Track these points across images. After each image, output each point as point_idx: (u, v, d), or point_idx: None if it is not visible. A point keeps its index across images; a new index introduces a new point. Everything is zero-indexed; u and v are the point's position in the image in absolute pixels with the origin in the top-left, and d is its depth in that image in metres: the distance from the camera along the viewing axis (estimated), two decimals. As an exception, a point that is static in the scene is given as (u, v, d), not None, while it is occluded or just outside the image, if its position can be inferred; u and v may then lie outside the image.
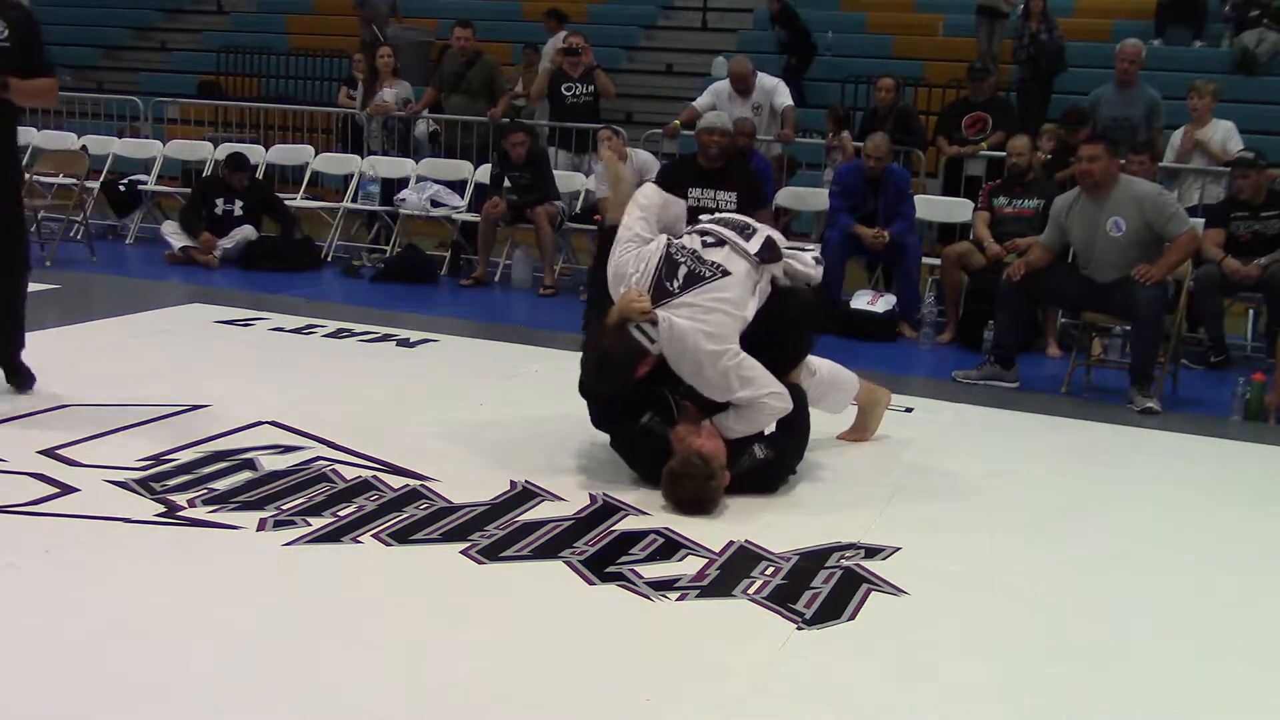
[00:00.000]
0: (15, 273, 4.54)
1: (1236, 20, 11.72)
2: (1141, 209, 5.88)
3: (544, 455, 4.42)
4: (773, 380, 4.03)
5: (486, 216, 8.50)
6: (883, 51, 12.56)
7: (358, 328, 6.64)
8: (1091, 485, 4.59)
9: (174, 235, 8.86)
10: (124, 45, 15.64)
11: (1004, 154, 7.78)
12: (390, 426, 4.71)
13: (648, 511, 3.90)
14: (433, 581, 3.30)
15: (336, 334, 6.51)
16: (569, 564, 3.45)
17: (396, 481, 4.04)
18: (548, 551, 3.53)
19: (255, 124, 11.35)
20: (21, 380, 4.71)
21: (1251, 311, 7.45)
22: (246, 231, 8.76)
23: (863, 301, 7.39)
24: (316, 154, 10.11)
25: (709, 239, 4.17)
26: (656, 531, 3.73)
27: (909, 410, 5.44)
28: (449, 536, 3.60)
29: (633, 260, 4.11)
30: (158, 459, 4.13)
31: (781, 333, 4.18)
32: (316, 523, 3.64)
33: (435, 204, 9.17)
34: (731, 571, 3.46)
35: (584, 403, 4.30)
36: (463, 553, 3.48)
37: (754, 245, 4.15)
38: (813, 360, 4.54)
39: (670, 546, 3.62)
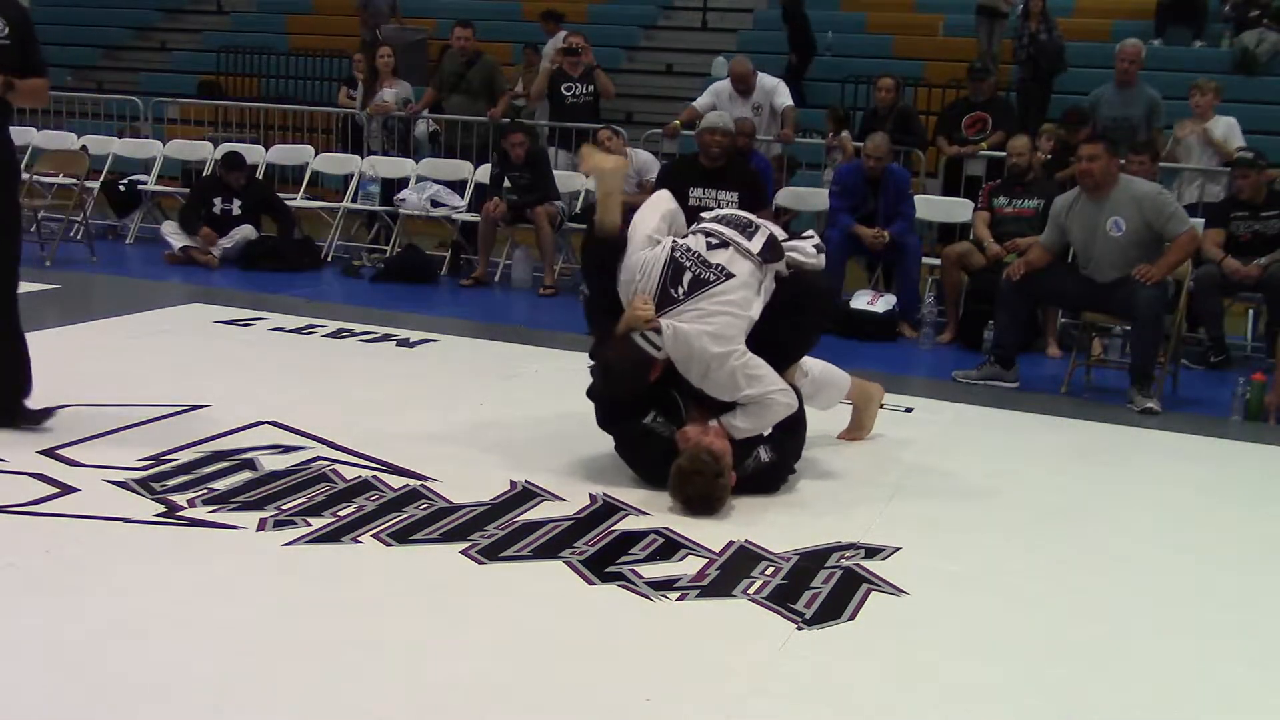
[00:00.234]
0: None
1: (1236, 20, 11.72)
2: (1141, 209, 5.88)
3: (544, 455, 4.42)
4: (778, 379, 4.05)
5: (486, 216, 8.50)
6: (883, 51, 12.56)
7: (358, 328, 6.64)
8: (1091, 485, 4.59)
9: (174, 235, 8.86)
10: (124, 45, 15.64)
11: (1004, 154, 7.78)
12: (390, 426, 4.71)
13: (648, 511, 3.90)
14: (433, 581, 3.30)
15: (336, 334, 6.52)
16: (569, 564, 3.45)
17: (396, 481, 4.04)
18: (548, 551, 3.53)
19: (255, 124, 11.35)
20: (34, 419, 4.38)
21: (1251, 311, 7.45)
22: (246, 231, 8.76)
23: (863, 301, 7.39)
24: (316, 154, 10.11)
25: (712, 240, 4.17)
26: (656, 531, 3.73)
27: (909, 410, 5.44)
28: (449, 536, 3.60)
29: (638, 266, 4.12)
30: (158, 459, 4.13)
31: (791, 317, 4.18)
32: (316, 523, 3.64)
33: (435, 204, 9.17)
34: (731, 571, 3.46)
35: (589, 403, 4.29)
36: (463, 553, 3.48)
37: (756, 244, 4.16)
38: (805, 360, 4.55)
39: (670, 546, 3.62)
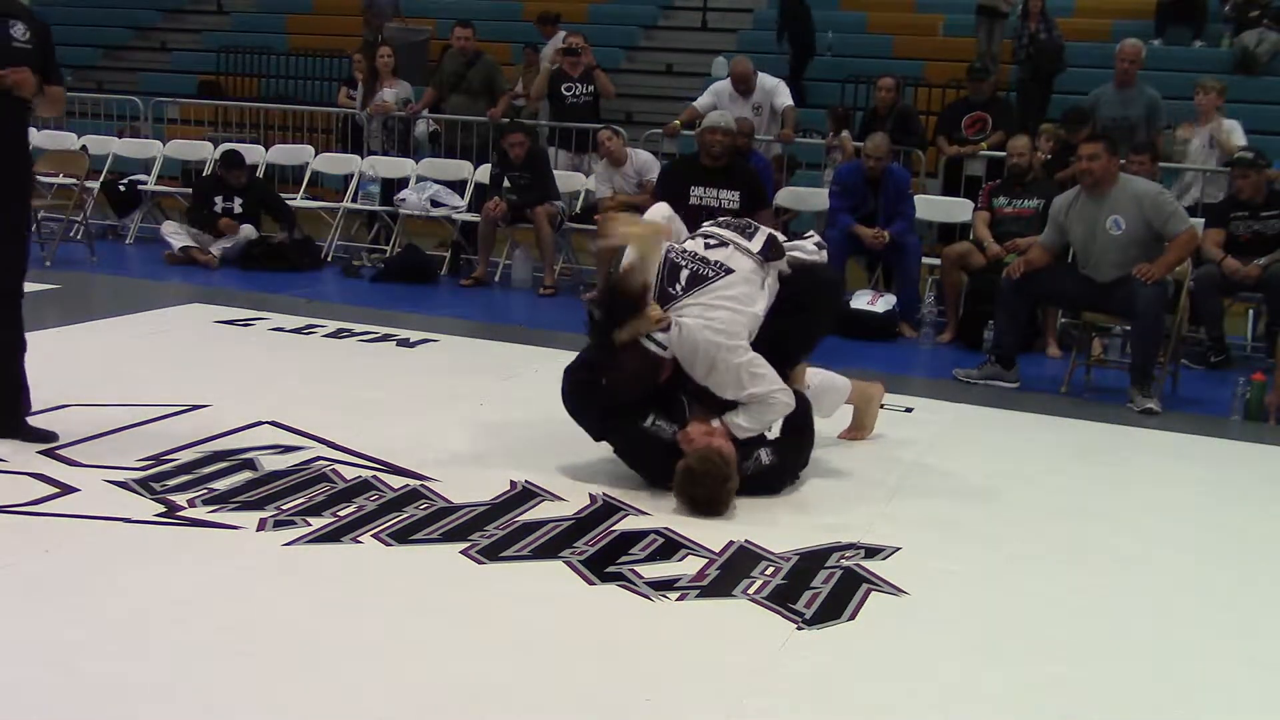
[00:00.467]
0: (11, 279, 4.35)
1: (1236, 20, 11.72)
2: (1141, 207, 5.88)
3: (544, 455, 4.42)
4: (779, 379, 4.07)
5: (486, 216, 8.50)
6: (883, 51, 12.56)
7: (358, 328, 6.64)
8: (1091, 485, 4.59)
9: (174, 235, 8.86)
10: (124, 45, 15.64)
11: (1004, 154, 7.78)
12: (390, 426, 4.71)
13: (648, 511, 3.90)
14: (433, 581, 3.30)
15: (336, 334, 6.51)
16: (569, 564, 3.45)
17: (396, 481, 4.04)
18: (548, 551, 3.53)
19: (255, 124, 11.34)
20: (38, 437, 4.29)
21: (1251, 311, 7.45)
22: (247, 230, 8.76)
23: (863, 301, 7.38)
24: (316, 154, 10.12)
25: (711, 241, 4.19)
26: (656, 531, 3.73)
27: (909, 410, 5.44)
28: (449, 536, 3.60)
29: None
30: (158, 459, 4.13)
31: (799, 312, 4.19)
32: (316, 523, 3.64)
33: (435, 204, 9.17)
34: (731, 571, 3.46)
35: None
36: (463, 553, 3.48)
37: (756, 244, 4.17)
38: (811, 372, 4.56)
39: (670, 546, 3.62)
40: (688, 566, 3.47)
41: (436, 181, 9.36)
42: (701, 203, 6.98)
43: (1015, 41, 10.51)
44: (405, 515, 3.74)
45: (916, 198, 7.96)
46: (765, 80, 8.82)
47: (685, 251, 4.15)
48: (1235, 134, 8.15)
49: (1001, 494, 4.39)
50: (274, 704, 2.61)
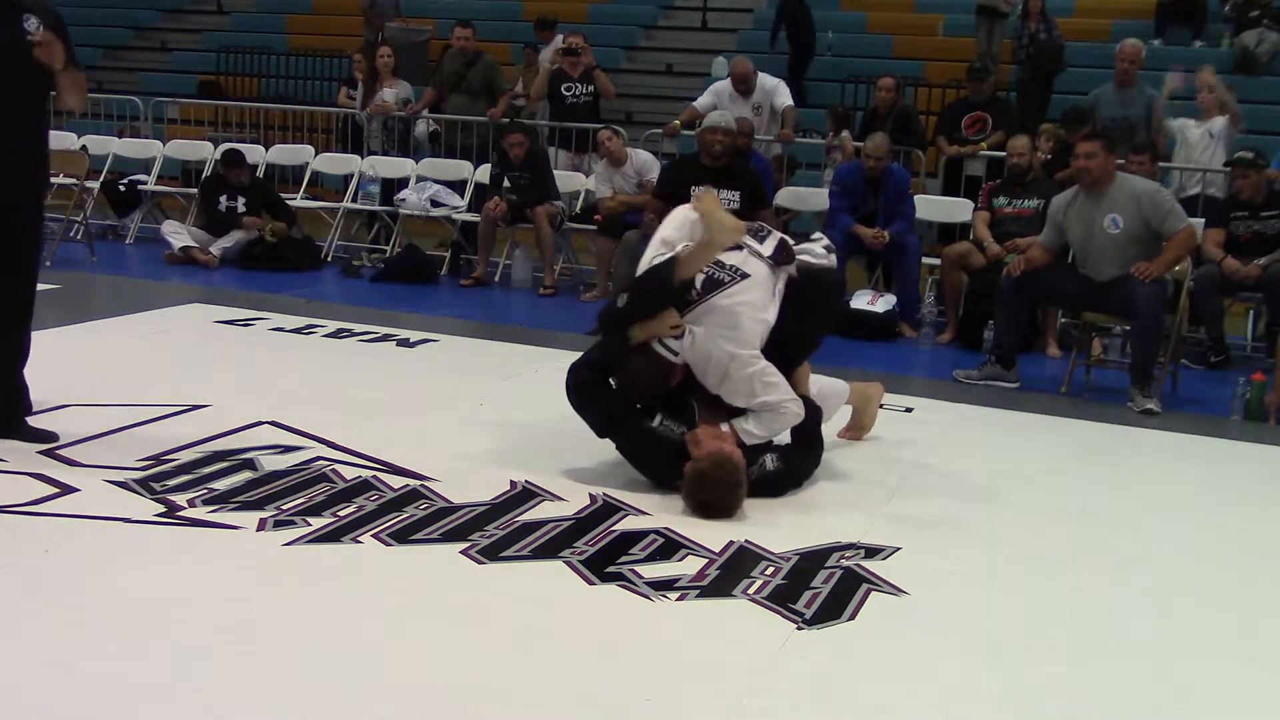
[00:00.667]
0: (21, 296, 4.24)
1: (1236, 20, 11.72)
2: (1139, 206, 5.88)
3: (544, 455, 4.42)
4: (790, 389, 4.08)
5: (486, 216, 8.50)
6: (883, 51, 12.57)
7: (358, 328, 6.64)
8: (1091, 485, 4.59)
9: (174, 235, 8.87)
10: (124, 45, 15.64)
11: (1004, 154, 7.78)
12: (390, 426, 4.71)
13: (648, 511, 3.90)
14: (433, 581, 3.30)
15: (336, 334, 6.51)
16: (569, 564, 3.45)
17: (396, 481, 4.04)
18: (548, 551, 3.53)
19: (255, 124, 11.34)
20: (38, 438, 4.27)
21: (1251, 311, 7.45)
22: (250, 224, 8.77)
23: (863, 301, 7.38)
24: (316, 154, 10.12)
25: None
26: (656, 531, 3.73)
27: (909, 410, 5.44)
28: (449, 536, 3.60)
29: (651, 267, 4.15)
30: (158, 459, 4.13)
31: (803, 313, 4.19)
32: (316, 523, 3.64)
33: (435, 204, 9.17)
34: (731, 571, 3.46)
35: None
36: (463, 553, 3.48)
37: (768, 248, 4.18)
38: (812, 378, 4.56)
39: (670, 546, 3.62)
40: (688, 566, 3.47)
41: (436, 181, 9.36)
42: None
43: (1015, 41, 10.52)
44: (405, 515, 3.74)
45: (916, 198, 7.96)
46: (765, 80, 8.82)
47: None
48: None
49: (1001, 494, 4.40)
50: (274, 704, 2.61)
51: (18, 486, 3.78)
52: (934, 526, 3.98)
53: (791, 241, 4.33)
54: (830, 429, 4.80)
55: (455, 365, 6.03)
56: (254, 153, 9.87)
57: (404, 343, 6.37)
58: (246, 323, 6.65)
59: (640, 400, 4.12)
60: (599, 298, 7.99)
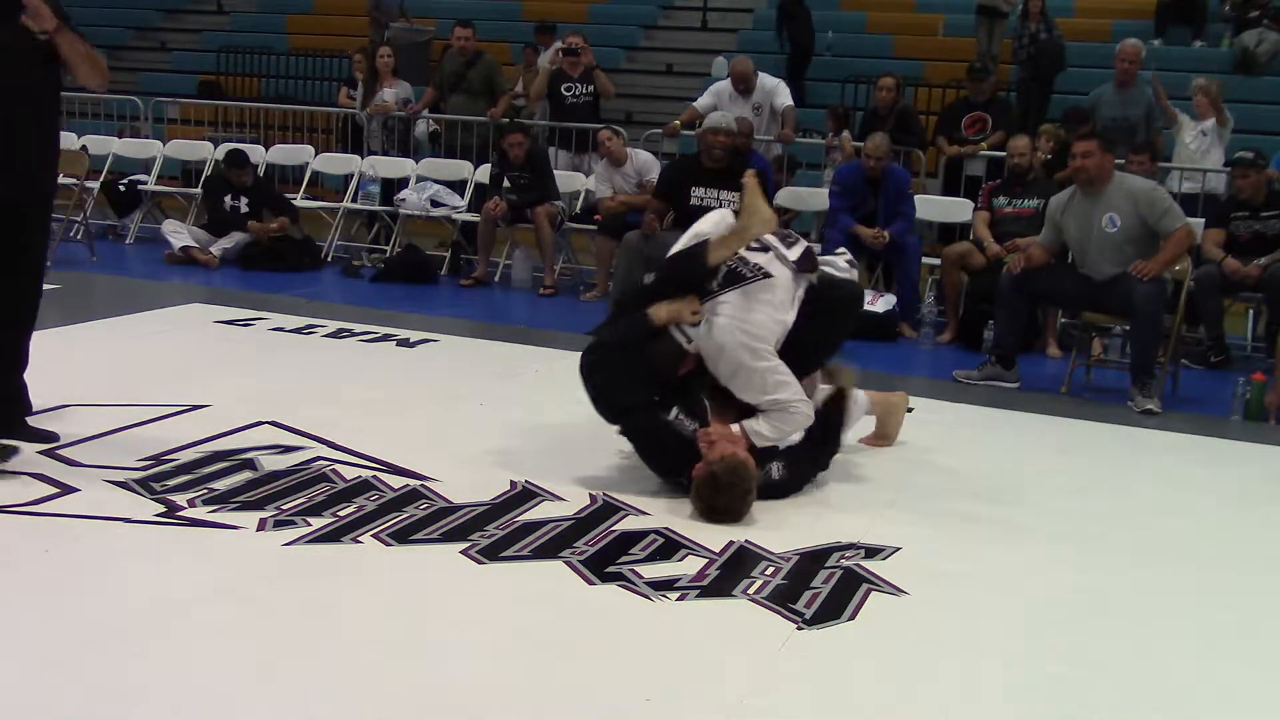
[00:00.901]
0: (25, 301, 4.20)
1: (1236, 20, 11.72)
2: (1136, 204, 5.89)
3: (544, 455, 4.42)
4: (801, 391, 4.08)
5: (486, 216, 8.51)
6: (883, 51, 12.57)
7: (358, 328, 6.64)
8: (1091, 485, 4.59)
9: (174, 235, 8.87)
10: (124, 45, 15.64)
11: (1004, 154, 7.78)
12: (390, 427, 4.72)
13: (648, 511, 3.90)
14: (433, 581, 3.30)
15: (336, 334, 6.51)
16: (569, 564, 3.45)
17: (396, 481, 4.04)
18: (548, 551, 3.53)
19: (255, 124, 11.35)
20: (38, 438, 4.25)
21: (1251, 311, 7.46)
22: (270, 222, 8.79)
23: (863, 302, 7.38)
24: (316, 154, 10.13)
25: (753, 244, 4.20)
26: (656, 531, 3.72)
27: (909, 410, 5.43)
28: (449, 536, 3.60)
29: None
30: (158, 459, 4.13)
31: (820, 320, 4.19)
32: (316, 523, 3.64)
33: (435, 204, 9.18)
34: (731, 571, 3.46)
35: (583, 403, 4.27)
36: (463, 553, 3.48)
37: (794, 253, 4.19)
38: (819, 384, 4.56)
39: (670, 546, 3.62)
40: (688, 566, 3.47)
41: (436, 181, 9.36)
42: (702, 203, 6.99)
43: (1015, 41, 10.52)
44: (405, 515, 3.74)
45: (916, 198, 7.96)
46: (765, 80, 8.82)
47: None
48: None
49: (1001, 494, 4.39)
50: (274, 704, 2.61)
51: (18, 486, 3.78)
52: (934, 526, 3.97)
53: (816, 248, 4.35)
54: (851, 435, 4.78)
55: (455, 365, 6.03)
56: (254, 153, 9.86)
57: (404, 343, 6.37)
58: (246, 323, 6.65)
59: (651, 384, 4.08)
60: (599, 298, 8.00)
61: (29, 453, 4.08)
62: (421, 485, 4.02)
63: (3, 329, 4.08)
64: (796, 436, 4.14)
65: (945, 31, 12.91)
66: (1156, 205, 5.90)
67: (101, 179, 10.11)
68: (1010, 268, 6.17)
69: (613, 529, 3.74)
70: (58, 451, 4.15)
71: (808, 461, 4.20)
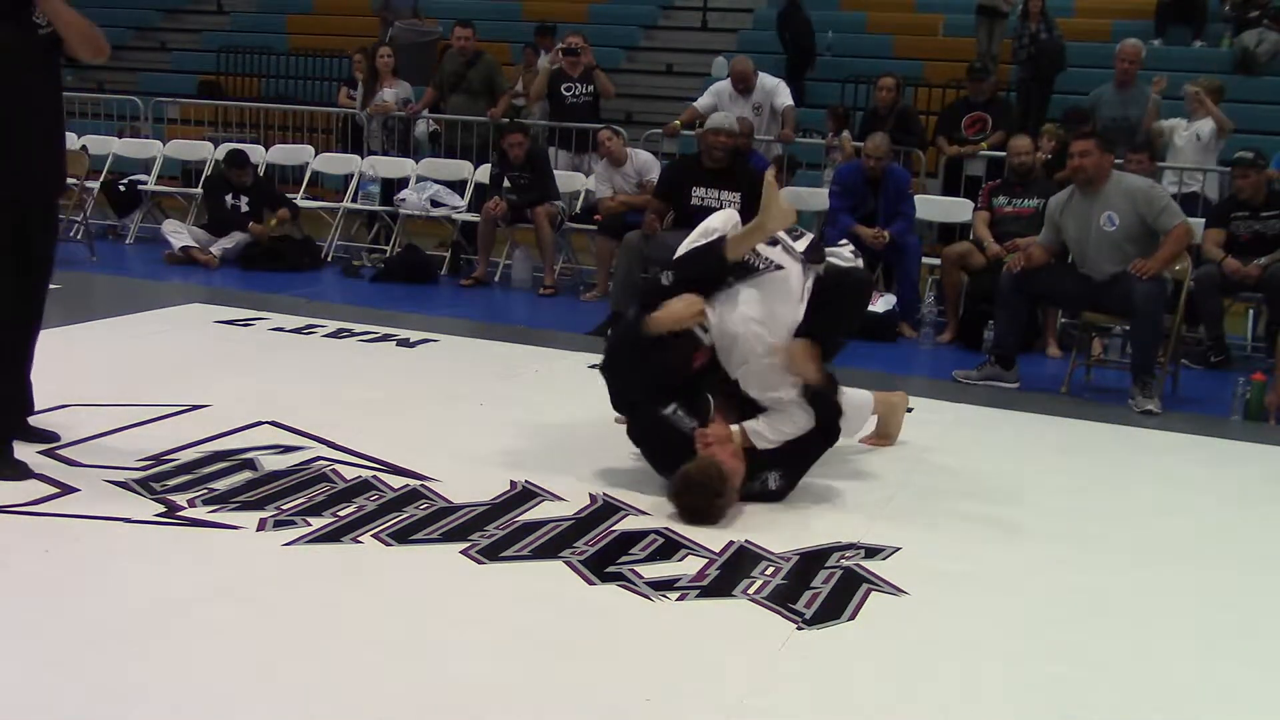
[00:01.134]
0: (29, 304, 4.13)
1: (1236, 20, 11.72)
2: (1134, 202, 5.89)
3: (544, 455, 4.42)
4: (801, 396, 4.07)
5: (486, 216, 8.51)
6: (883, 51, 12.56)
7: (358, 328, 6.64)
8: (1091, 485, 4.59)
9: (174, 235, 8.88)
10: (124, 45, 15.62)
11: (1004, 154, 7.78)
12: (390, 427, 4.72)
13: (648, 511, 3.90)
14: (433, 581, 3.30)
15: (336, 334, 6.51)
16: (569, 564, 3.45)
17: (396, 481, 4.04)
18: (548, 551, 3.53)
19: (255, 124, 11.34)
20: (39, 438, 4.25)
21: (1251, 311, 7.46)
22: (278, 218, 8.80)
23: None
24: (316, 154, 10.13)
25: None
26: (656, 531, 3.73)
27: (909, 410, 5.43)
28: (449, 536, 3.60)
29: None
30: (158, 459, 4.13)
31: (828, 310, 4.17)
32: (316, 523, 3.64)
33: (435, 204, 9.18)
34: (731, 571, 3.46)
35: (589, 403, 4.28)
36: (463, 553, 3.48)
37: (801, 245, 4.20)
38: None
39: (670, 546, 3.62)
40: (688, 566, 3.47)
41: (436, 181, 9.36)
42: (703, 203, 6.99)
43: (1016, 41, 10.52)
44: (405, 515, 3.74)
45: (916, 198, 7.96)
46: (765, 80, 8.83)
47: None
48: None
49: (1001, 494, 4.39)
50: (274, 703, 2.61)
51: (18, 486, 3.78)
52: (934, 526, 3.98)
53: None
54: (851, 436, 4.77)
55: (455, 365, 6.03)
56: (254, 153, 9.86)
57: (404, 343, 6.37)
58: (246, 323, 6.65)
59: (666, 378, 4.07)
60: (599, 298, 8.00)
61: (29, 453, 4.08)
62: (421, 485, 4.02)
63: (12, 329, 4.08)
64: (792, 430, 4.06)
65: (945, 31, 12.91)
66: (1155, 203, 5.91)
67: (101, 179, 10.11)
68: (1010, 267, 6.17)
69: (613, 529, 3.74)
70: (58, 451, 4.15)
71: (800, 465, 4.15)
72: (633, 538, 3.67)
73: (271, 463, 4.17)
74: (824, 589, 3.36)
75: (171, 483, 3.91)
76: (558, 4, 13.93)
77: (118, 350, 5.92)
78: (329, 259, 9.23)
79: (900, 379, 6.01)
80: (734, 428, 4.04)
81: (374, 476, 4.08)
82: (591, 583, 3.33)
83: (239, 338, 6.34)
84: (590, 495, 4.01)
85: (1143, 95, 8.51)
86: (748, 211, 5.81)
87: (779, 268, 4.10)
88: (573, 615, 3.15)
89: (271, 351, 6.07)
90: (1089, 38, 11.38)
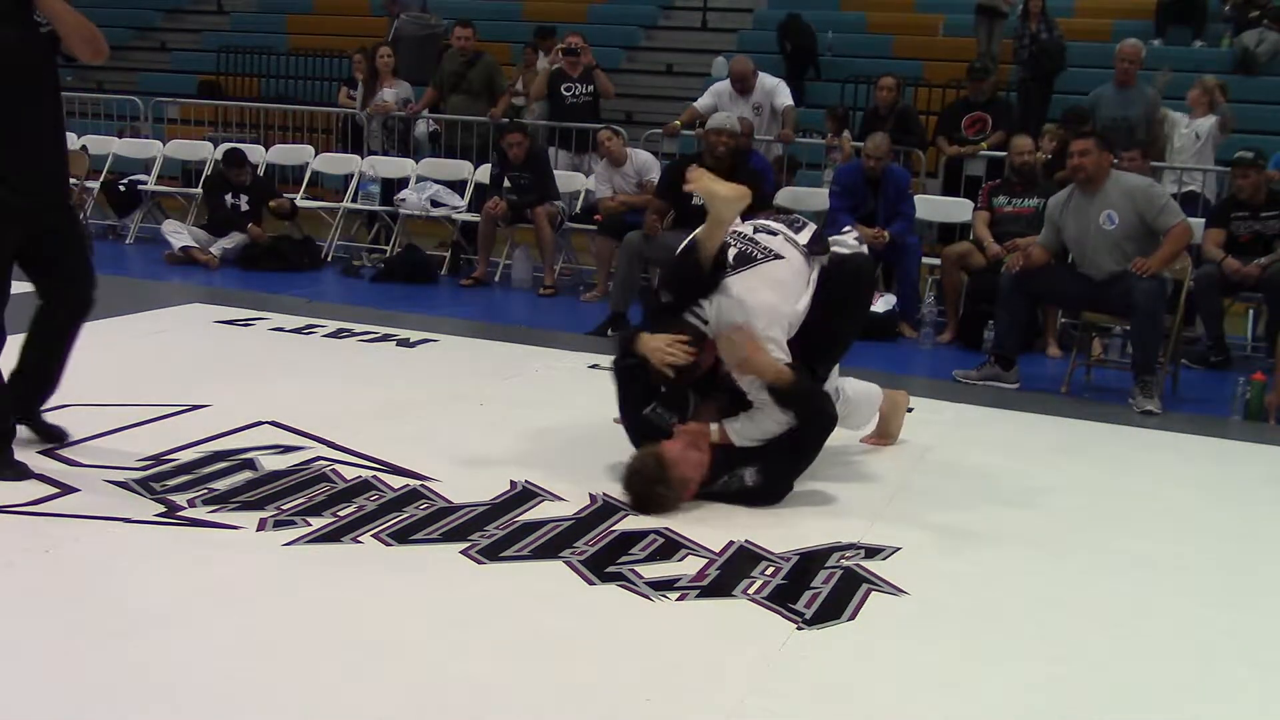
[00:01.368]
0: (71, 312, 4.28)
1: (1236, 20, 11.72)
2: (1134, 201, 5.89)
3: (544, 455, 4.42)
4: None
5: (486, 216, 8.51)
6: (883, 51, 12.56)
7: (358, 328, 6.64)
8: (1091, 485, 4.59)
9: (174, 235, 8.88)
10: (124, 45, 15.62)
11: (1004, 154, 7.78)
12: (390, 426, 4.72)
13: (648, 511, 3.90)
14: (433, 581, 3.30)
15: (336, 334, 6.51)
16: (569, 564, 3.45)
17: (396, 481, 4.04)
18: (548, 551, 3.53)
19: (255, 124, 11.34)
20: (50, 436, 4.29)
21: (1251, 311, 7.46)
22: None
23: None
24: (316, 154, 10.13)
25: (761, 230, 4.21)
26: (656, 531, 3.72)
27: (909, 410, 5.43)
28: (449, 536, 3.60)
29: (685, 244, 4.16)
30: (158, 459, 4.13)
31: (838, 301, 4.17)
32: (316, 523, 3.64)
33: (435, 204, 9.18)
34: (731, 571, 3.45)
35: (589, 402, 4.28)
36: (463, 553, 3.48)
37: (804, 237, 4.18)
38: (846, 380, 4.54)
39: (670, 546, 3.62)
40: (688, 566, 3.47)
41: (436, 181, 9.37)
42: (704, 204, 6.97)
43: (1016, 41, 10.51)
44: (405, 515, 3.74)
45: (916, 198, 7.97)
46: (765, 80, 8.82)
47: (736, 232, 4.15)
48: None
49: (1001, 494, 4.39)
50: (274, 704, 2.61)
51: (18, 486, 3.78)
52: (934, 526, 3.97)
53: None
54: (853, 435, 4.78)
55: (455, 365, 6.03)
56: (254, 153, 9.87)
57: (404, 343, 6.37)
58: (246, 323, 6.65)
59: (677, 383, 4.03)
60: (599, 298, 8.00)
61: (29, 453, 4.08)
62: (421, 485, 4.02)
63: (62, 329, 4.19)
64: (774, 428, 3.98)
65: (945, 31, 12.91)
66: (1154, 201, 5.91)
67: (101, 179, 10.11)
68: (1008, 267, 6.17)
69: (613, 529, 3.74)
70: (58, 451, 4.15)
71: (793, 468, 4.08)
72: (633, 538, 3.67)
73: (271, 463, 4.17)
74: (824, 589, 3.36)
75: (171, 483, 3.91)
76: (558, 4, 13.93)
77: (118, 350, 5.91)
78: (329, 259, 9.23)
79: (900, 379, 5.99)
80: (712, 425, 4.03)
81: (374, 476, 4.08)
82: (591, 583, 3.33)
83: (239, 338, 6.34)
84: (590, 495, 4.01)
85: (1143, 95, 8.50)
86: (747, 212, 5.81)
87: (779, 257, 4.08)
88: (573, 615, 3.15)
89: (271, 351, 6.07)
90: (1089, 38, 11.39)
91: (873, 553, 3.65)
